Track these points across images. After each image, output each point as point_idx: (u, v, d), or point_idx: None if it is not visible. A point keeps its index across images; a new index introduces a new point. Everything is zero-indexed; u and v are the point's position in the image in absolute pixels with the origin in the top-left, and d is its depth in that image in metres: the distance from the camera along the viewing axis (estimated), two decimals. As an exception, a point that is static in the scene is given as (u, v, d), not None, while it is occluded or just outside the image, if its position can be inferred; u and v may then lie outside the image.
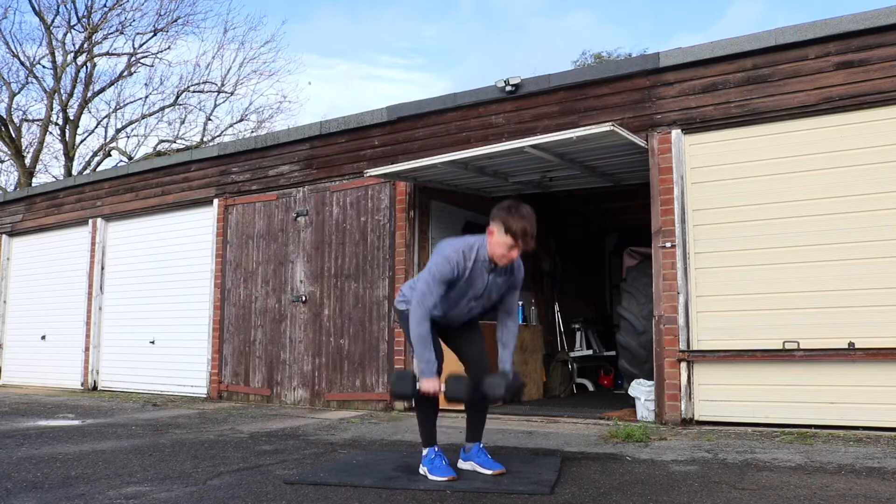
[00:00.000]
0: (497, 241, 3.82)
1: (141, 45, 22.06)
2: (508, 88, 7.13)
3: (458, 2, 61.97)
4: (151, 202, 10.18)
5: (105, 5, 21.50)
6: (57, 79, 21.09)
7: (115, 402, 8.80)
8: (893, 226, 5.49)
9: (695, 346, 6.10)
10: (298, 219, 8.57)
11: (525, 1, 56.80)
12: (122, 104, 23.39)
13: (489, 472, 4.03)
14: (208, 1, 32.69)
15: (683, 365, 6.09)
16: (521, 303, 8.87)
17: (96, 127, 23.96)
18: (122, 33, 21.84)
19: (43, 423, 6.73)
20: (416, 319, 3.83)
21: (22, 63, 21.40)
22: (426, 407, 4.06)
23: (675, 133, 6.34)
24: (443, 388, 3.89)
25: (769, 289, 5.87)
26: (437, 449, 4.02)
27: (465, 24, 60.94)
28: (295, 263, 8.56)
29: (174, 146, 22.33)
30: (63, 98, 21.34)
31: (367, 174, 7.45)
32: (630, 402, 6.72)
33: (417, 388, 3.86)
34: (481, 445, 4.18)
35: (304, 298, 8.38)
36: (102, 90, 22.42)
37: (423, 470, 4.00)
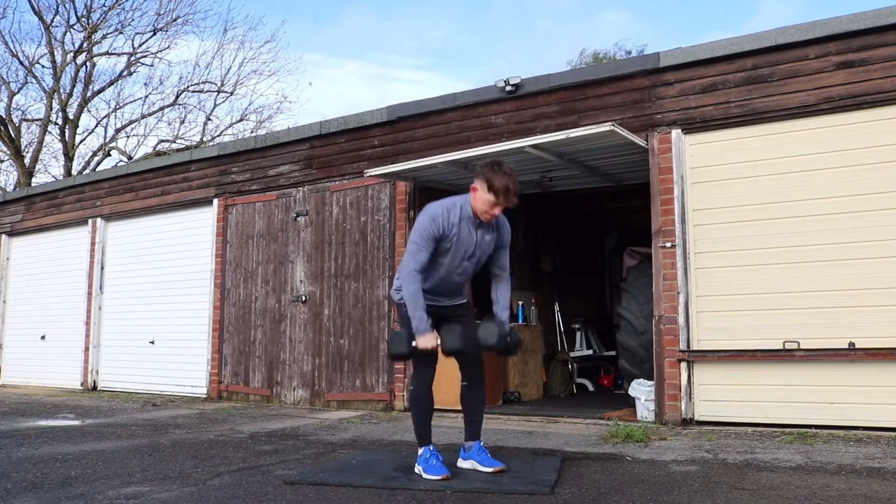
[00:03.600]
0: (480, 198, 3.89)
1: (140, 45, 22.06)
2: (508, 88, 7.13)
3: (492, 2, 61.51)
4: (151, 202, 10.17)
5: (104, 5, 21.49)
6: (56, 78, 21.08)
7: (115, 402, 8.80)
8: (893, 226, 5.49)
9: (695, 346, 6.10)
10: (298, 219, 8.57)
11: (559, 1, 56.39)
12: (121, 104, 23.39)
13: (489, 469, 4.04)
14: (208, 0, 32.64)
15: (683, 365, 6.09)
16: (521, 303, 8.94)
17: (96, 127, 23.96)
18: (121, 33, 21.83)
19: (43, 423, 6.73)
20: (407, 277, 3.88)
21: (21, 63, 21.39)
22: (421, 406, 4.09)
23: (675, 133, 6.34)
24: (439, 342, 3.90)
25: (769, 289, 5.87)
26: (431, 448, 4.04)
27: (498, 25, 60.47)
28: (295, 263, 8.56)
29: (174, 146, 22.32)
30: (62, 98, 21.32)
31: (367, 174, 7.45)
32: (630, 402, 6.72)
33: (414, 346, 3.88)
34: (481, 444, 4.19)
35: (304, 298, 8.38)
36: (102, 90, 22.41)
37: (417, 469, 4.02)
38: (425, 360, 4.05)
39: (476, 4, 60.98)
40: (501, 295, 4.22)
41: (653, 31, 51.77)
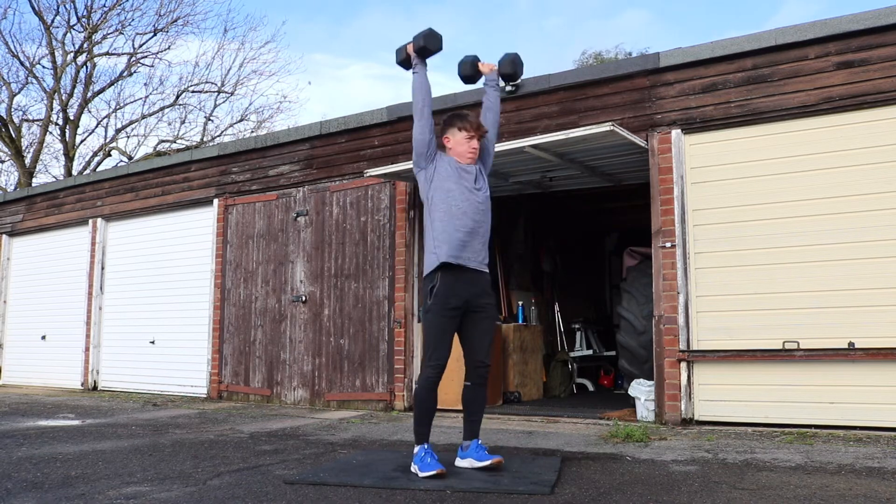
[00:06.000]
0: (456, 142, 4.23)
1: (141, 45, 22.08)
2: (508, 88, 7.13)
3: (513, 1, 61.00)
4: (151, 202, 10.18)
5: (105, 5, 21.52)
6: (57, 79, 21.09)
7: (115, 402, 8.80)
8: (893, 226, 5.49)
9: (695, 346, 6.10)
10: (298, 219, 8.57)
11: (580, 1, 56.06)
12: (122, 104, 23.45)
13: (485, 463, 4.07)
14: (208, 1, 32.67)
15: (683, 365, 6.09)
16: (521, 303, 8.94)
17: (96, 127, 24.01)
18: (121, 33, 21.85)
19: (43, 423, 6.73)
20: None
21: (22, 63, 21.42)
22: (423, 405, 4.10)
23: (675, 133, 6.34)
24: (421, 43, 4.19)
25: (769, 289, 5.87)
26: (426, 446, 4.06)
27: (518, 24, 59.99)
28: (295, 263, 8.56)
29: (174, 146, 22.34)
30: (63, 98, 21.33)
31: (367, 174, 7.45)
32: (630, 402, 6.72)
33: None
34: (479, 442, 4.21)
35: (304, 298, 8.38)
36: (102, 90, 22.43)
37: (413, 468, 4.04)
38: (434, 351, 4.04)
39: (497, 4, 60.57)
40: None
41: (672, 31, 51.56)
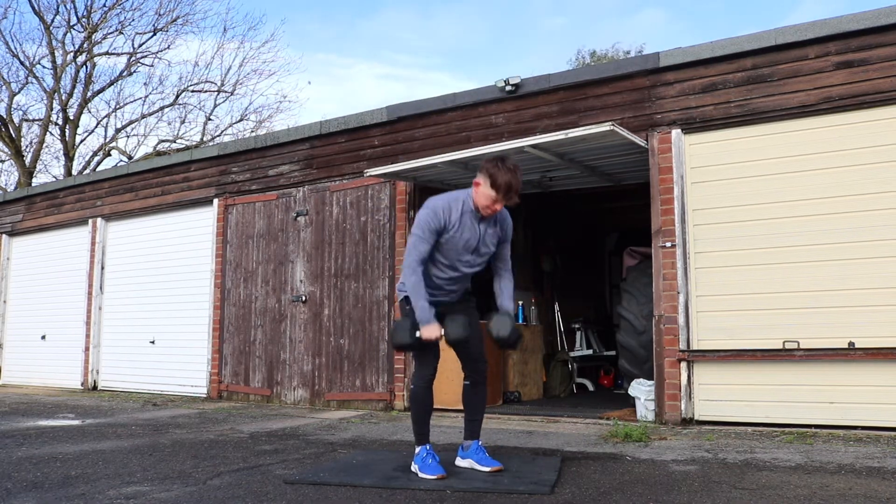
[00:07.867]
0: (482, 193, 3.91)
1: (140, 45, 22.08)
2: (508, 88, 7.13)
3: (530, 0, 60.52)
4: (151, 202, 10.18)
5: (104, 5, 21.51)
6: (57, 78, 21.09)
7: (115, 402, 8.80)
8: (893, 226, 5.49)
9: (695, 346, 6.10)
10: (298, 218, 8.57)
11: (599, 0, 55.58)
12: (121, 104, 23.42)
13: (487, 469, 4.06)
14: (207, 0, 32.61)
15: (683, 365, 6.09)
16: (521, 303, 8.93)
17: (96, 127, 24.02)
18: (121, 33, 21.84)
19: (43, 423, 6.73)
20: (408, 269, 3.90)
21: (22, 63, 21.43)
22: (420, 405, 4.10)
23: (675, 133, 6.34)
24: (443, 333, 3.88)
25: (769, 288, 5.87)
26: (428, 447, 4.06)
27: (534, 22, 59.58)
28: (295, 263, 8.56)
29: (174, 146, 22.34)
30: (63, 98, 21.33)
31: (367, 174, 7.45)
32: (630, 402, 6.72)
33: (418, 336, 3.86)
34: (479, 443, 4.20)
35: (304, 298, 8.38)
36: (102, 90, 22.44)
37: (414, 468, 4.04)
38: (427, 357, 4.05)
39: (512, 2, 60.13)
40: (505, 286, 4.26)
41: (690, 30, 51.23)
